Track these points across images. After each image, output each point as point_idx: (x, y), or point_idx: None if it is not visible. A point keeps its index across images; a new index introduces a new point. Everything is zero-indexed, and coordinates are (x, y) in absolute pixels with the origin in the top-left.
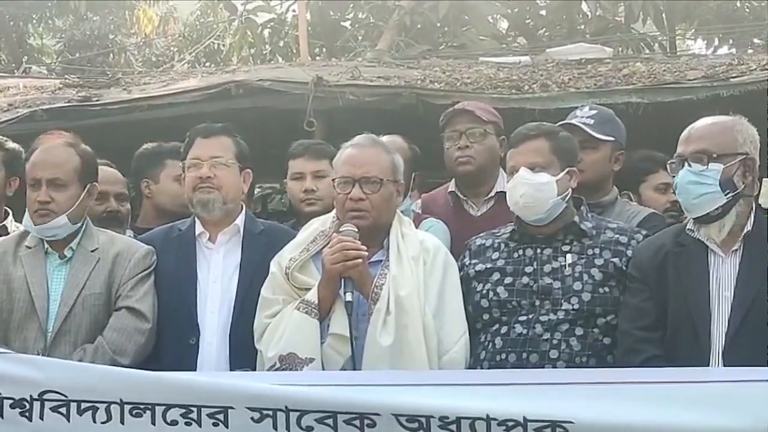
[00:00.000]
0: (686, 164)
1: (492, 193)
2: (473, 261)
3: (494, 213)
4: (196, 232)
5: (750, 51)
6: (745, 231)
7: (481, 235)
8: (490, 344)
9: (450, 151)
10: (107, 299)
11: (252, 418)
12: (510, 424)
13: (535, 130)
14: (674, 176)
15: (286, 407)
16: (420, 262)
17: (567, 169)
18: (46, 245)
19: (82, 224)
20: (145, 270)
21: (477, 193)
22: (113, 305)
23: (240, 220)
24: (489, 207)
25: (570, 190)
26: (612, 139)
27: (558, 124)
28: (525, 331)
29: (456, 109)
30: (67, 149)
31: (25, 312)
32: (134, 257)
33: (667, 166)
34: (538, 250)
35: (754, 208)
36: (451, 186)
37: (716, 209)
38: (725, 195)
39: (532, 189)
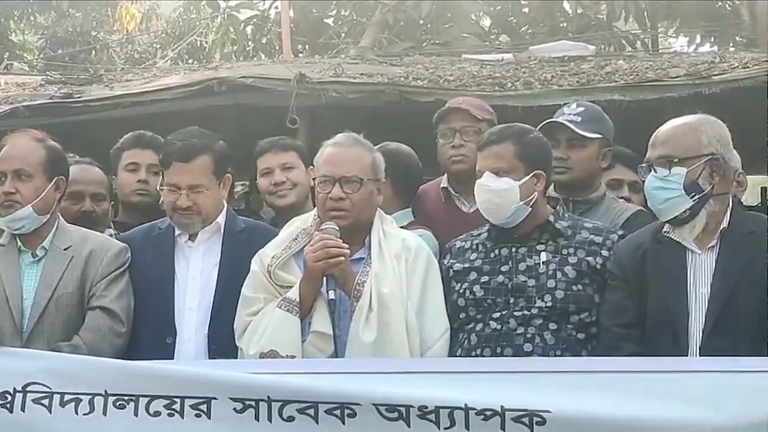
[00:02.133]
0: (652, 170)
1: None
2: (452, 261)
3: None
4: (176, 232)
5: (731, 48)
6: (721, 228)
7: (460, 237)
8: (466, 341)
9: (444, 149)
10: (80, 298)
11: (234, 409)
12: (488, 413)
13: (499, 134)
14: (644, 181)
15: (268, 397)
16: (402, 260)
17: (534, 173)
18: (19, 243)
19: (54, 223)
20: (119, 268)
21: (470, 190)
22: (86, 304)
23: (221, 219)
24: None
25: (536, 193)
26: (599, 136)
27: (545, 122)
28: (499, 327)
29: (451, 106)
30: (32, 143)
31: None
32: (107, 255)
33: (638, 170)
34: (514, 249)
35: (730, 205)
36: (444, 182)
37: (683, 212)
38: (691, 198)
39: (493, 195)
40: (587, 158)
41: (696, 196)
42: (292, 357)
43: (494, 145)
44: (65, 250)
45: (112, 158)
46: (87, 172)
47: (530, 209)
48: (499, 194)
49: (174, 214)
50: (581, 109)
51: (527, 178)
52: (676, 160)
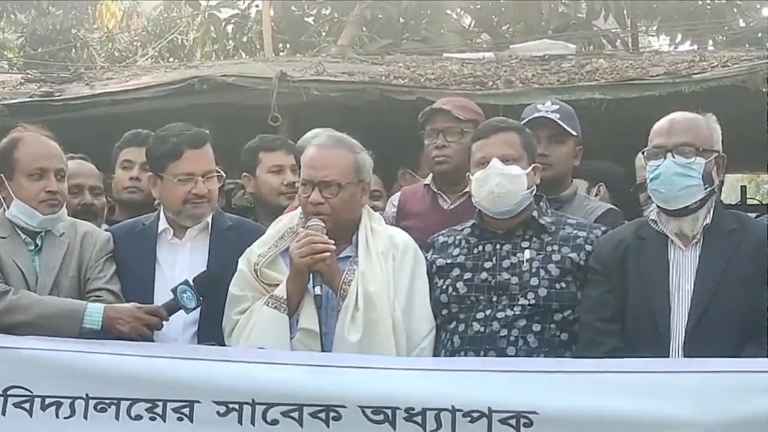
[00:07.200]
0: (670, 155)
1: (467, 189)
2: (434, 256)
3: (465, 207)
4: (159, 228)
5: (711, 48)
6: (704, 224)
7: (443, 232)
8: (449, 342)
9: (429, 149)
10: (78, 280)
11: (217, 412)
12: (475, 415)
13: (506, 123)
14: (653, 166)
15: (252, 400)
16: (389, 258)
17: (532, 165)
18: (23, 235)
19: None
20: (109, 254)
21: (453, 189)
22: (83, 286)
23: (209, 216)
24: (461, 201)
25: (534, 186)
26: (576, 134)
27: (530, 117)
28: (482, 329)
29: (434, 107)
30: (52, 142)
31: None
32: (99, 239)
33: (642, 154)
34: (498, 246)
35: (713, 202)
36: (428, 179)
37: (695, 203)
38: (705, 189)
39: (506, 180)
40: (566, 154)
41: (708, 188)
42: None
43: (501, 132)
44: (60, 236)
45: (112, 158)
46: (83, 166)
47: (531, 199)
48: (511, 179)
49: (186, 206)
50: (557, 106)
51: (529, 168)
52: (701, 149)
